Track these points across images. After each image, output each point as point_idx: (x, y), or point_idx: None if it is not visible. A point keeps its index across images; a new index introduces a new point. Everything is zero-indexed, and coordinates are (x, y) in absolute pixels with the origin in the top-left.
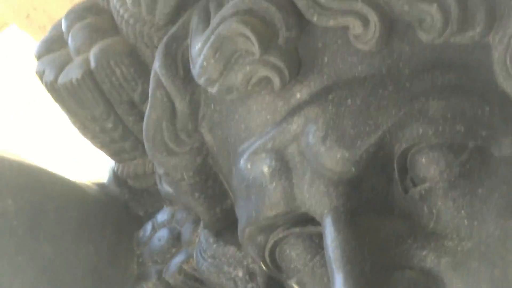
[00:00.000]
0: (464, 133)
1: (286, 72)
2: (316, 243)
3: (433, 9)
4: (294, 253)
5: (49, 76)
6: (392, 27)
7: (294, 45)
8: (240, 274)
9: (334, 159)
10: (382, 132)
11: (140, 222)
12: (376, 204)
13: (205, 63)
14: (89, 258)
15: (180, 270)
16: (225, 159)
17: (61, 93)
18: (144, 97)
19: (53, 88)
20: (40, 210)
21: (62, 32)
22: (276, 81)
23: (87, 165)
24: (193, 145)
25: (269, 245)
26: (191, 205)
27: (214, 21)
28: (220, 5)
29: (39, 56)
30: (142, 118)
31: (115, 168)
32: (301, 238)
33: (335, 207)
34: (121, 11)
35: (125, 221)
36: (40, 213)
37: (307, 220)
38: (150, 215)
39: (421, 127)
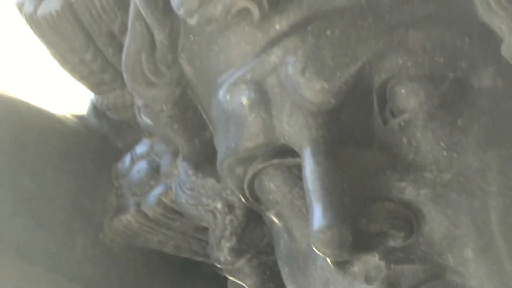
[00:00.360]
0: (444, 64)
1: (266, 3)
2: (295, 175)
3: None
4: (273, 185)
5: (29, 8)
6: None
7: None
8: (219, 206)
9: (314, 90)
10: (362, 63)
11: (119, 154)
12: (356, 135)
13: None
14: (68, 190)
15: (159, 202)
16: (204, 90)
17: (41, 25)
18: (124, 28)
19: (32, 20)
20: (19, 141)
21: None
22: (256, 12)
23: (68, 99)
24: (172, 76)
25: (248, 177)
26: (170, 137)
27: None
28: None
29: None
30: (121, 49)
31: (94, 100)
32: (280, 169)
33: (315, 139)
34: None
35: (105, 153)
36: (19, 144)
37: (286, 151)
38: (129, 147)
39: (401, 58)
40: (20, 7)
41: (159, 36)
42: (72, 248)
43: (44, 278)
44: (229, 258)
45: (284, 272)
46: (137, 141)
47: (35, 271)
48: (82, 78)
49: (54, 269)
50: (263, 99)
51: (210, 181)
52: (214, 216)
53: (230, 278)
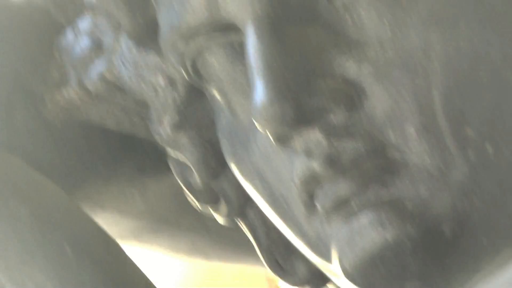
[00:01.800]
0: None
1: None
2: (239, 52)
3: None
4: (216, 62)
5: None
6: None
7: None
8: (161, 81)
9: None
10: None
11: (61, 30)
12: (300, 13)
13: None
14: (8, 62)
15: (101, 77)
16: None
17: None
18: None
19: None
20: None
21: None
22: None
23: None
24: None
25: (190, 54)
26: (113, 13)
27: None
28: None
29: None
30: None
31: None
32: (224, 47)
33: (258, 16)
34: None
35: (47, 28)
36: None
37: (230, 29)
38: (72, 23)
39: None
40: None
41: None
42: (12, 120)
43: None
44: (171, 134)
45: (226, 148)
46: (79, 17)
47: None
48: None
49: None
50: None
51: (153, 58)
52: (156, 91)
53: (172, 155)
